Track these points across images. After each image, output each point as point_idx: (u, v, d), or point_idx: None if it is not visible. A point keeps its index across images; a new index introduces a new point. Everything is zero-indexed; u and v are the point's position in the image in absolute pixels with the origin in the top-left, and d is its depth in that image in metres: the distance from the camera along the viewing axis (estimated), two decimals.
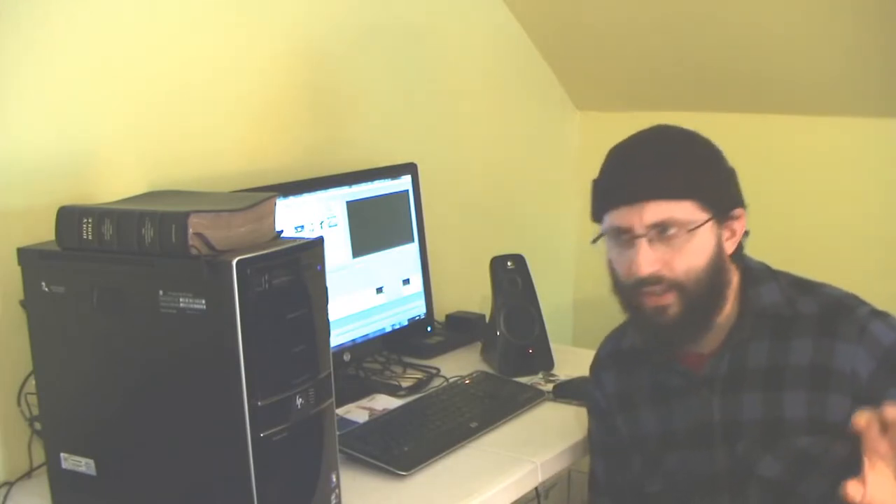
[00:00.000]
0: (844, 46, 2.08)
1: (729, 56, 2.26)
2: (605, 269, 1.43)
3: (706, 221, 1.32)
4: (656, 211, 1.31)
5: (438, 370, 1.96)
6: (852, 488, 1.09)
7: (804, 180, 2.34)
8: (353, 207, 1.90)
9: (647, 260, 1.31)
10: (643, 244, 1.31)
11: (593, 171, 1.42)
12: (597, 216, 1.40)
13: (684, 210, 1.31)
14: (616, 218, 1.34)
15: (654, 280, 1.32)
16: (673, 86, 2.44)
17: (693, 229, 1.31)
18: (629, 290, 1.35)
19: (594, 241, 1.40)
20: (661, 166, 1.33)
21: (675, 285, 1.32)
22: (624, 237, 1.34)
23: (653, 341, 1.39)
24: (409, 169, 2.05)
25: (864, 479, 1.10)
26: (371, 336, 1.94)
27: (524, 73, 2.58)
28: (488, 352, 2.03)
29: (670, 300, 1.32)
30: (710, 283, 1.33)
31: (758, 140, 2.39)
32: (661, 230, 1.31)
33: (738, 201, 1.38)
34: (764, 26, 2.14)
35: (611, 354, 1.54)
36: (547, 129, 2.70)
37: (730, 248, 1.37)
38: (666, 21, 2.26)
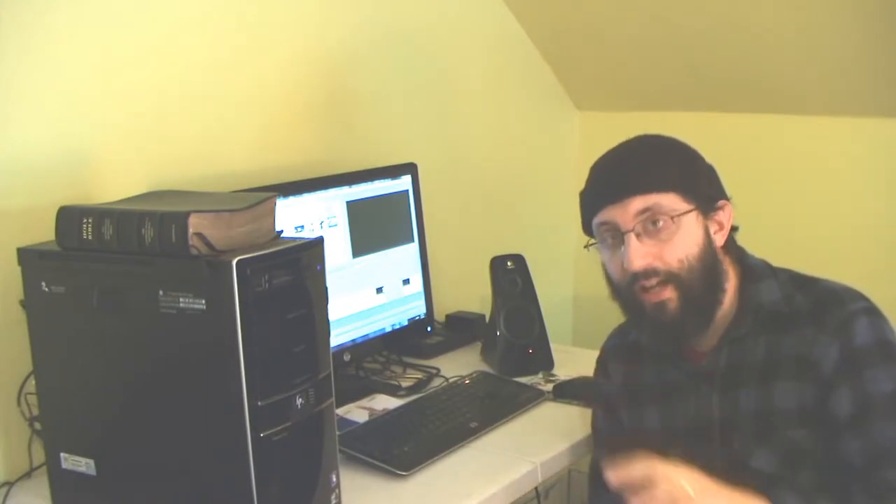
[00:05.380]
0: (845, 46, 2.08)
1: (729, 56, 2.26)
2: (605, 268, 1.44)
3: (690, 211, 1.34)
4: (641, 202, 1.33)
5: (438, 370, 1.96)
6: None
7: (804, 180, 2.34)
8: (353, 207, 1.90)
9: (639, 253, 1.33)
10: (632, 239, 1.33)
11: None
12: (587, 224, 1.43)
13: (668, 200, 1.34)
14: (603, 217, 1.37)
15: (649, 273, 1.33)
16: (673, 86, 2.44)
17: (678, 216, 1.33)
18: (627, 290, 1.37)
19: (587, 246, 1.44)
20: (642, 165, 1.37)
21: (671, 277, 1.33)
22: (613, 237, 1.37)
23: (657, 339, 1.41)
24: (409, 169, 2.05)
25: None
26: (371, 336, 1.94)
27: (524, 73, 2.58)
28: (488, 352, 2.03)
29: (668, 294, 1.34)
30: (705, 274, 1.35)
31: (758, 140, 2.39)
32: (648, 222, 1.33)
33: (721, 194, 1.41)
34: (764, 26, 2.14)
35: (617, 347, 1.55)
36: (547, 129, 2.70)
37: (719, 240, 1.38)
38: (666, 21, 2.26)
